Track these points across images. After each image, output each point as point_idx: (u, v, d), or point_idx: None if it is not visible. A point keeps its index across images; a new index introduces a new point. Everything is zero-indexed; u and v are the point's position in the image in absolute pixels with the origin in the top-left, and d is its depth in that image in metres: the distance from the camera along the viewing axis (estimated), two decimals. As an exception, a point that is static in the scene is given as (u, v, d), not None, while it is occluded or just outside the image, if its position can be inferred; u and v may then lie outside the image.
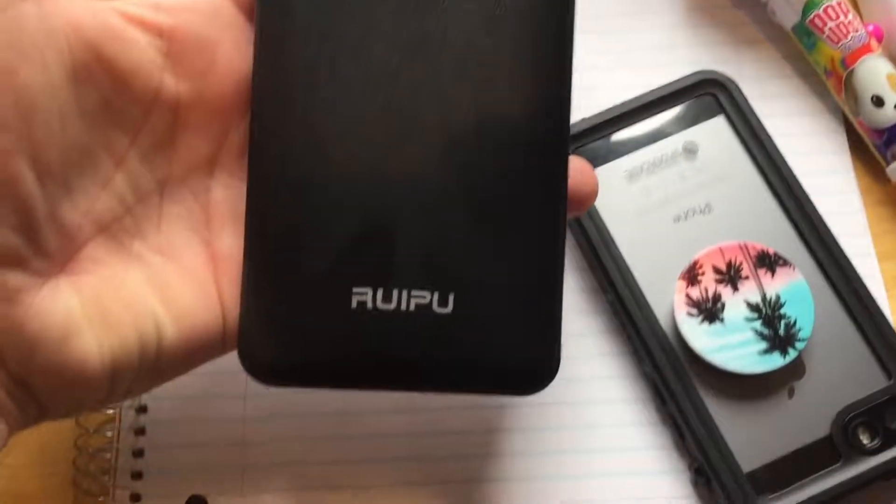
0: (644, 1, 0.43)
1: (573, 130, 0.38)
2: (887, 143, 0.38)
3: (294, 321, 0.22)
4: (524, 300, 0.23)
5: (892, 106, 0.38)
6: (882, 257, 0.38)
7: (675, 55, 0.42)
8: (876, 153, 0.39)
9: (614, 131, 0.39)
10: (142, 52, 0.22)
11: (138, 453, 0.34)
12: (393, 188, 0.23)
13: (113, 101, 0.22)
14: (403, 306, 0.22)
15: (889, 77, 0.38)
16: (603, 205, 0.37)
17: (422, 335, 0.22)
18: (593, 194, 0.26)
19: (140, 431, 0.34)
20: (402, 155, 0.23)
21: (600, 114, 0.39)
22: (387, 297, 0.22)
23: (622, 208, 0.38)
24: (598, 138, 0.39)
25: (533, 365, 0.23)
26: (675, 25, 0.42)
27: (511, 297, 0.23)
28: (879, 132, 0.38)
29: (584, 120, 0.39)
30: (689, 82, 0.39)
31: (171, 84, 0.23)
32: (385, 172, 0.23)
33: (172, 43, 0.23)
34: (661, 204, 0.38)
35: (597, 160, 0.38)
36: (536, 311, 0.23)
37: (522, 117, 0.23)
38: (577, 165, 0.26)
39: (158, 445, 0.34)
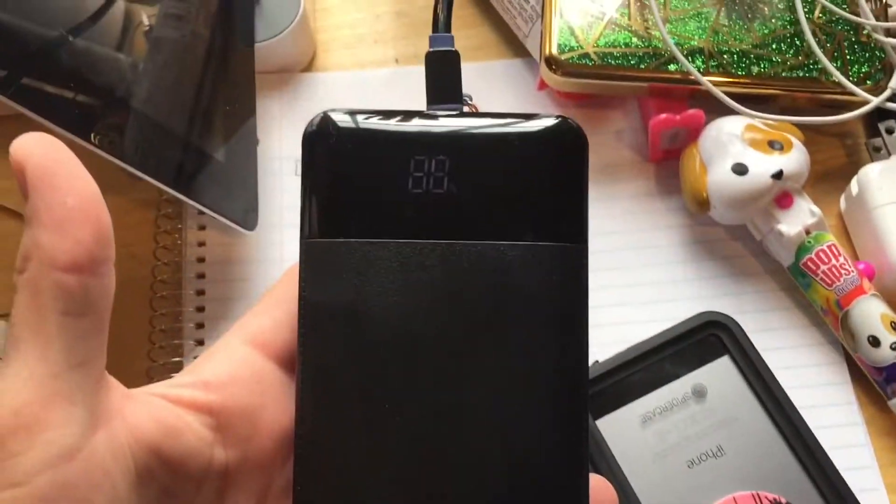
0: (644, 236, 0.46)
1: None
2: (887, 380, 0.40)
3: None
4: None
5: (889, 346, 0.40)
6: (891, 489, 0.40)
7: (677, 290, 0.44)
8: (877, 387, 0.41)
9: (626, 376, 0.41)
10: (196, 436, 0.25)
11: None
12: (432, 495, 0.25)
13: (169, 487, 0.24)
14: None
15: (883, 317, 0.40)
16: (619, 451, 0.39)
17: None
18: None
19: None
20: (437, 475, 0.25)
21: (611, 359, 0.41)
22: None
23: (638, 454, 0.39)
24: (611, 383, 0.41)
25: None
26: (675, 260, 0.45)
27: None
28: (878, 370, 0.40)
29: (596, 364, 0.41)
30: (692, 324, 0.41)
31: (221, 455, 0.25)
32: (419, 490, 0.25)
33: (221, 417, 0.25)
34: (674, 448, 0.39)
35: (610, 405, 0.40)
36: None
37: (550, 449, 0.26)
38: (598, 486, 0.28)
39: None
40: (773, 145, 0.42)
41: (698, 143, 0.44)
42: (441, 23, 0.34)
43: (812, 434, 0.39)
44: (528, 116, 0.27)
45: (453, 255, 0.27)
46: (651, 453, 0.39)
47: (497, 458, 0.26)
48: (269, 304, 0.28)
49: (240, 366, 0.27)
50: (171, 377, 0.27)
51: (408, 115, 0.28)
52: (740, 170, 0.41)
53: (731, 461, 0.39)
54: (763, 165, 0.41)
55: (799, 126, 0.43)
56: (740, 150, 0.42)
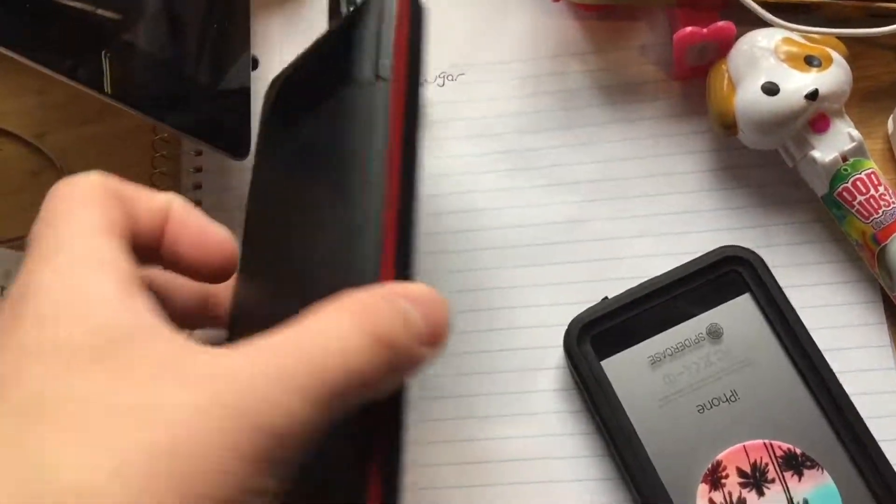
0: (666, 162, 0.42)
1: (594, 314, 0.38)
2: (925, 323, 0.36)
3: None
4: None
5: (929, 286, 0.36)
6: (924, 440, 0.37)
7: (700, 221, 0.41)
8: (914, 330, 0.37)
9: (637, 314, 0.38)
10: None
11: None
12: None
13: None
14: None
15: (925, 254, 0.36)
16: (624, 394, 0.37)
17: None
18: None
19: None
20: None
21: (621, 295, 0.38)
22: None
23: (644, 397, 0.37)
24: (620, 321, 0.38)
25: None
26: (699, 189, 0.41)
27: None
28: (916, 311, 0.36)
29: (605, 301, 0.38)
30: (711, 259, 0.38)
31: None
32: None
33: None
34: (685, 392, 0.37)
35: (617, 345, 0.38)
36: None
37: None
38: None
39: None
40: (811, 61, 0.37)
41: (728, 58, 0.39)
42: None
43: (836, 379, 0.36)
44: None
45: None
46: (659, 397, 0.37)
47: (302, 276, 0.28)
48: None
49: None
50: None
51: None
52: (771, 88, 0.37)
53: (746, 407, 0.36)
54: (796, 84, 0.37)
55: (843, 39, 0.39)
56: (773, 67, 0.37)
